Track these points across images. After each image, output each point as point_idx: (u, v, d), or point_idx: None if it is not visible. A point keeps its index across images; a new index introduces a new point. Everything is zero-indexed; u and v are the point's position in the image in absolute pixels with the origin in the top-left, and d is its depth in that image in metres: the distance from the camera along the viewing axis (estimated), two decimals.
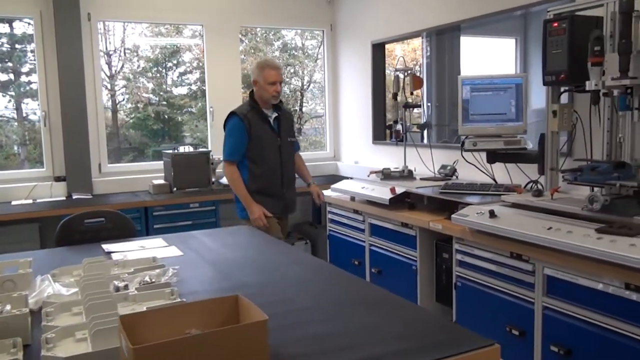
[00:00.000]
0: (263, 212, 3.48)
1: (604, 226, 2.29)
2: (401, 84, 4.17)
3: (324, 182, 4.79)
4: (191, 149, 4.85)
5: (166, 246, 2.77)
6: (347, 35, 5.64)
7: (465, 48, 5.09)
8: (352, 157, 5.70)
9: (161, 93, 5.93)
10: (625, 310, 2.19)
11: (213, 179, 4.83)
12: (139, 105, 5.81)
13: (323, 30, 5.86)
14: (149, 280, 2.02)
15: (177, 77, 6.18)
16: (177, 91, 6.07)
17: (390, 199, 3.52)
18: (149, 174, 4.99)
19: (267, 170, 3.53)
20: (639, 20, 2.60)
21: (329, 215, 4.38)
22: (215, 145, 5.31)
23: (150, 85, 5.88)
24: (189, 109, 6.20)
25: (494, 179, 3.59)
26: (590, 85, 2.57)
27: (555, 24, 2.91)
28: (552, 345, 2.50)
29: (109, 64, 5.69)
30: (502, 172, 3.61)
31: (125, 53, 5.66)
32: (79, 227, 3.03)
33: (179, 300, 1.87)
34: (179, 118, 6.01)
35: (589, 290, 2.33)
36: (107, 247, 2.74)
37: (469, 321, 3.02)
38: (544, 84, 3.01)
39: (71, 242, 2.93)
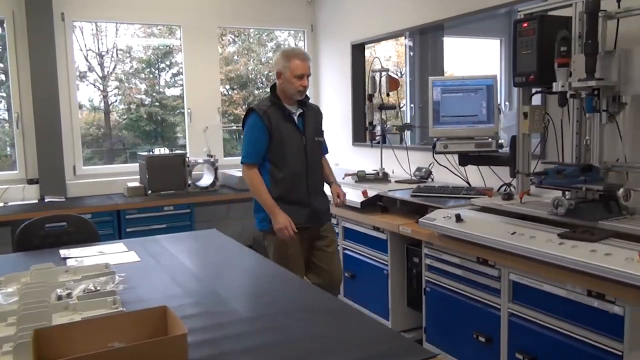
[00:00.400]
0: (290, 222, 2.97)
1: (567, 231, 2.23)
2: (377, 86, 4.12)
3: None
4: (167, 151, 4.78)
5: (125, 251, 2.71)
6: (328, 36, 5.59)
7: (452, 49, 5.04)
8: (332, 158, 5.63)
9: (154, 94, 5.91)
10: (588, 317, 2.14)
11: (189, 182, 4.77)
12: (131, 106, 5.75)
13: (304, 31, 5.80)
14: (92, 288, 1.95)
15: (170, 78, 6.14)
16: (170, 92, 6.06)
17: (362, 202, 3.46)
18: (125, 176, 4.92)
19: (290, 174, 3.04)
20: (606, 21, 2.57)
21: None
22: (194, 147, 5.25)
23: (143, 86, 5.84)
24: (182, 110, 6.06)
25: (468, 182, 3.53)
26: (557, 86, 2.52)
27: (525, 24, 2.85)
28: (517, 352, 2.45)
29: (101, 64, 5.64)
30: (477, 175, 3.55)
31: (117, 54, 5.61)
32: (39, 232, 2.96)
33: (120, 309, 1.81)
34: (172, 119, 5.98)
35: (553, 296, 2.27)
36: (64, 252, 2.68)
37: (438, 327, 2.97)
38: (514, 85, 2.96)
39: (31, 247, 2.87)
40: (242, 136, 3.06)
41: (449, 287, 2.85)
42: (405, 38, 5.19)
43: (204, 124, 5.23)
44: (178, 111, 6.06)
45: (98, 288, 1.96)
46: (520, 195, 2.81)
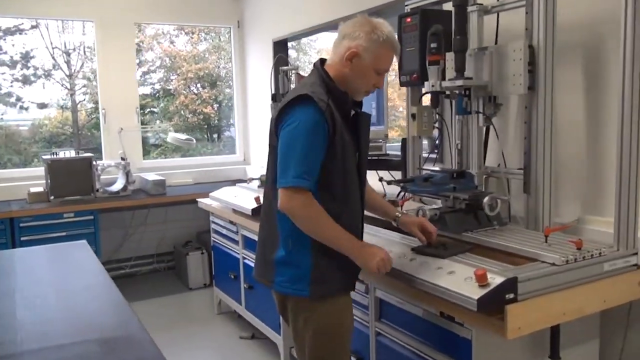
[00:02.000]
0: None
1: (421, 245, 2.04)
2: (287, 85, 3.90)
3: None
4: (73, 154, 4.50)
5: None
6: (254, 33, 5.35)
7: None
8: (261, 160, 5.41)
9: None
10: (442, 340, 1.94)
11: (98, 187, 4.50)
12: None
13: (230, 27, 5.56)
14: None
15: (140, 76, 6.03)
16: (139, 91, 5.86)
17: (253, 209, 3.24)
18: (32, 180, 4.63)
19: (351, 207, 1.93)
20: (483, 15, 2.38)
21: (212, 225, 4.10)
22: (109, 150, 4.99)
23: None
24: (152, 109, 6.11)
25: (400, 187, 3.32)
26: (428, 86, 2.32)
27: (409, 19, 2.67)
28: None
29: (67, 62, 5.46)
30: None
31: (85, 51, 5.41)
32: None
33: None
34: (141, 118, 5.80)
35: (413, 316, 2.07)
36: None
37: None
38: (401, 85, 2.77)
39: None
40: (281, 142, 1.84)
41: None
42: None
43: (120, 125, 4.96)
44: (148, 110, 6.06)
45: None
46: (401, 203, 2.61)
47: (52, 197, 4.33)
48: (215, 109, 6.36)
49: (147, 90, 6.08)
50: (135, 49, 5.19)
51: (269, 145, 1.97)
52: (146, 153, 5.75)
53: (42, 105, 5.58)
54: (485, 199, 2.11)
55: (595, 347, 2.15)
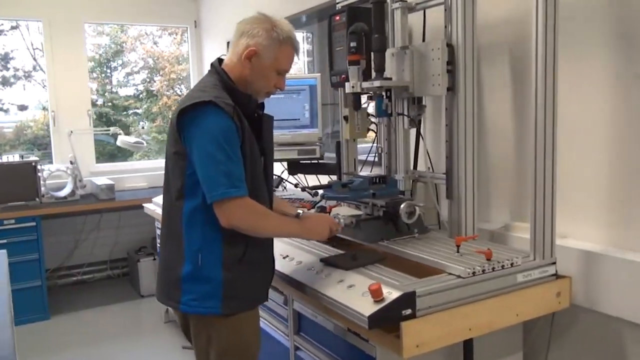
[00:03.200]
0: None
1: (331, 256, 1.93)
2: None
3: None
4: (17, 158, 4.36)
5: None
6: (212, 33, 5.22)
7: None
8: None
9: (105, 94, 5.72)
10: (351, 356, 1.84)
11: (43, 192, 4.35)
12: None
13: (187, 27, 5.43)
14: None
15: (124, 77, 6.00)
16: (122, 92, 5.95)
17: None
18: None
19: None
20: (407, 13, 2.27)
21: (157, 231, 3.96)
22: (59, 154, 4.84)
23: (94, 86, 5.63)
24: (136, 110, 6.09)
25: (311, 192, 3.22)
26: (348, 87, 2.21)
27: (337, 18, 2.56)
28: None
29: None
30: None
31: None
32: None
33: None
34: (124, 120, 5.84)
35: (326, 331, 1.96)
36: None
37: None
38: (332, 85, 2.66)
39: None
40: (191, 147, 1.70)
41: None
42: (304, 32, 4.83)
43: (70, 128, 4.81)
44: (132, 111, 6.06)
45: None
46: (329, 209, 2.50)
47: None
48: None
49: (130, 91, 6.01)
50: (85, 49, 5.03)
51: (168, 151, 1.83)
52: (129, 155, 5.61)
53: (23, 107, 5.47)
54: (402, 206, 2.00)
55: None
